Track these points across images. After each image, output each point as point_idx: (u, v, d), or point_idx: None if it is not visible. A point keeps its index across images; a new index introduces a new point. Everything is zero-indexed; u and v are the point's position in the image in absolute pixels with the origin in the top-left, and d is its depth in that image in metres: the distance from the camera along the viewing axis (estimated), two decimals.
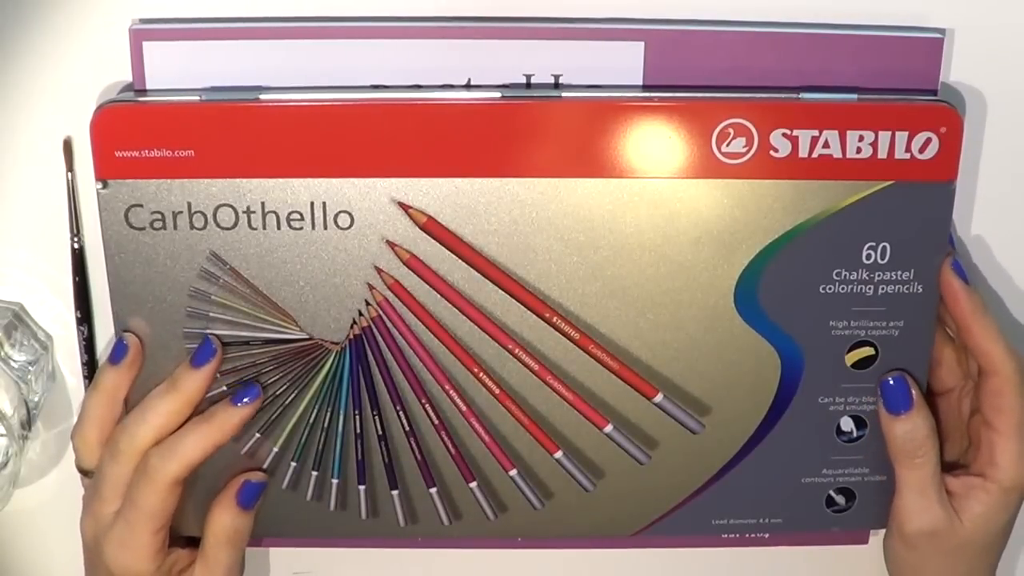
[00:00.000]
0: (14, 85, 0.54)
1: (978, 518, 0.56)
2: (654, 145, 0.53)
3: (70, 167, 0.56)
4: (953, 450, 0.59)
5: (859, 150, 0.53)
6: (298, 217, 0.54)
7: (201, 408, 0.55)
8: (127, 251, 0.54)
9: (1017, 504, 0.57)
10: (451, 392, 0.57)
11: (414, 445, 0.58)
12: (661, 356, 0.56)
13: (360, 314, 0.56)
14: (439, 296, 0.55)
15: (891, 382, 0.56)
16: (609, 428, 0.58)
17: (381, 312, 0.56)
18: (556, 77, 0.54)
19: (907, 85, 0.54)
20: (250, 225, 0.54)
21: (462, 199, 0.54)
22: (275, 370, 0.56)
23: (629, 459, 0.58)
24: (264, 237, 0.54)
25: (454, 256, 0.55)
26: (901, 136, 0.53)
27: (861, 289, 0.56)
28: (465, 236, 0.54)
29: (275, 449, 0.58)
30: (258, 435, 0.57)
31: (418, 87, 0.54)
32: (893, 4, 0.54)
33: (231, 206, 0.53)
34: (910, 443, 0.56)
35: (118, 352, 0.55)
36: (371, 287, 0.55)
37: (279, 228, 0.54)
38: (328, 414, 0.57)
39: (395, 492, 0.59)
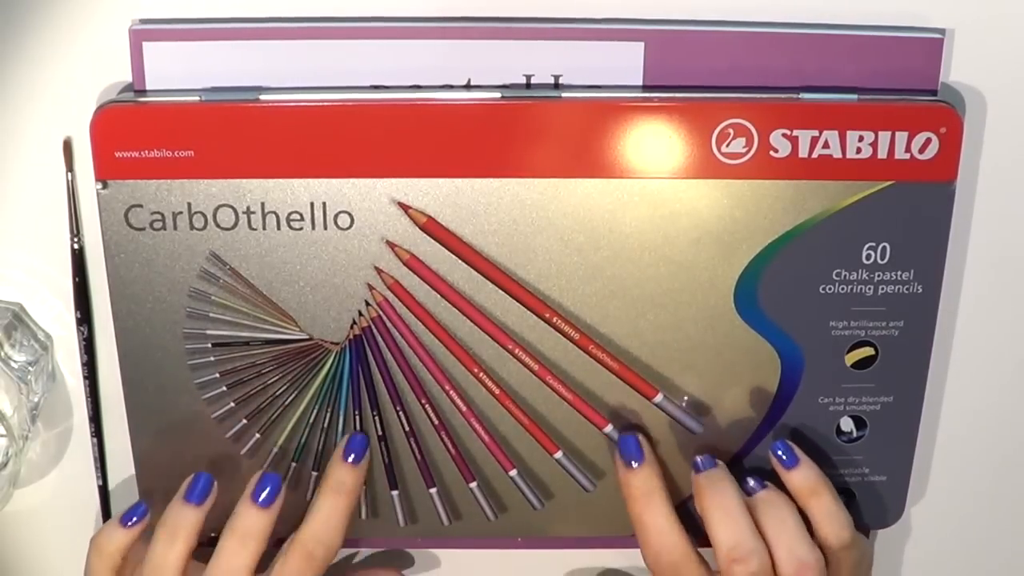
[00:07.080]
0: (14, 85, 0.54)
1: None
2: (654, 145, 0.53)
3: (70, 167, 0.55)
4: None
5: (859, 150, 0.53)
6: (298, 217, 0.54)
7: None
8: (127, 251, 0.54)
9: None
10: (451, 392, 0.57)
11: (414, 445, 0.58)
12: (661, 356, 0.56)
13: (360, 314, 0.56)
14: (439, 296, 0.55)
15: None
16: (609, 428, 0.58)
17: (381, 312, 0.56)
18: (556, 77, 0.54)
19: (907, 85, 0.54)
20: (250, 225, 0.54)
21: (462, 199, 0.54)
22: (275, 370, 0.56)
23: None
24: (264, 237, 0.54)
25: (454, 256, 0.55)
26: (901, 136, 0.53)
27: (861, 289, 0.56)
28: (465, 236, 0.54)
29: (275, 449, 0.58)
30: (258, 435, 0.57)
31: (418, 87, 0.54)
32: (893, 4, 0.54)
33: (231, 206, 0.53)
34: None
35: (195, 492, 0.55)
36: (371, 287, 0.55)
37: (279, 228, 0.54)
38: (328, 414, 0.57)
39: (395, 492, 0.59)
